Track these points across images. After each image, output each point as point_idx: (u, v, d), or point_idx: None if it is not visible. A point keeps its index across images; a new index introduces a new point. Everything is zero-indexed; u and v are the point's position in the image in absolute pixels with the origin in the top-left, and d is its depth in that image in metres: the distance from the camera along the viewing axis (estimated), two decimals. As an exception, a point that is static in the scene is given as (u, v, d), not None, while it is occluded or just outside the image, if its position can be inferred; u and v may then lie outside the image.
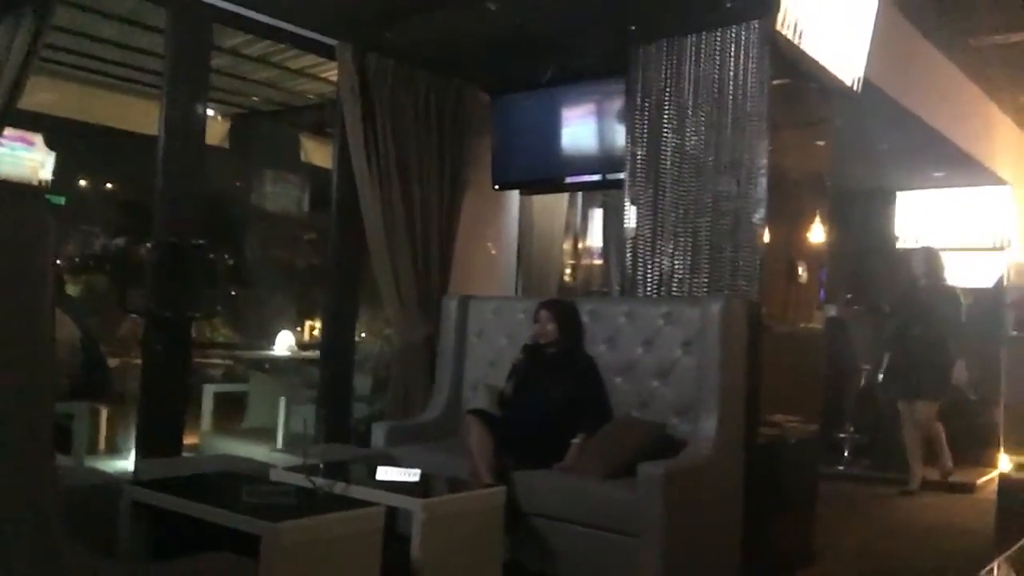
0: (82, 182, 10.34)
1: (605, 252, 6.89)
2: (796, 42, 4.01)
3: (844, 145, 4.95)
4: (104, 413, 5.36)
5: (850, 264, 7.47)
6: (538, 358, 4.00)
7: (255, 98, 6.27)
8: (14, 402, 1.55)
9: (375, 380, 5.76)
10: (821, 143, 4.70)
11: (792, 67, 4.14)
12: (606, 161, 4.81)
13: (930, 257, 6.14)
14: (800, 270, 4.38)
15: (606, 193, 6.15)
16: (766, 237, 3.91)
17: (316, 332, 8.40)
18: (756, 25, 3.94)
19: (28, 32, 3.23)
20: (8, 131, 3.78)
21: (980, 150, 7.14)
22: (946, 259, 6.21)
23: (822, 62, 4.25)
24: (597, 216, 6.91)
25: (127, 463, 4.89)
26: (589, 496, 3.42)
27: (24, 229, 1.39)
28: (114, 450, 5.33)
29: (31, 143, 6.75)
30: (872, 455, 6.74)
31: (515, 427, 3.76)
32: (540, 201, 5.85)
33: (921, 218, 8.30)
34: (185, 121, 4.00)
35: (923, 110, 5.87)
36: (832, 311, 6.38)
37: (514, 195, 5.66)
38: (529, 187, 5.53)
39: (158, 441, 3.89)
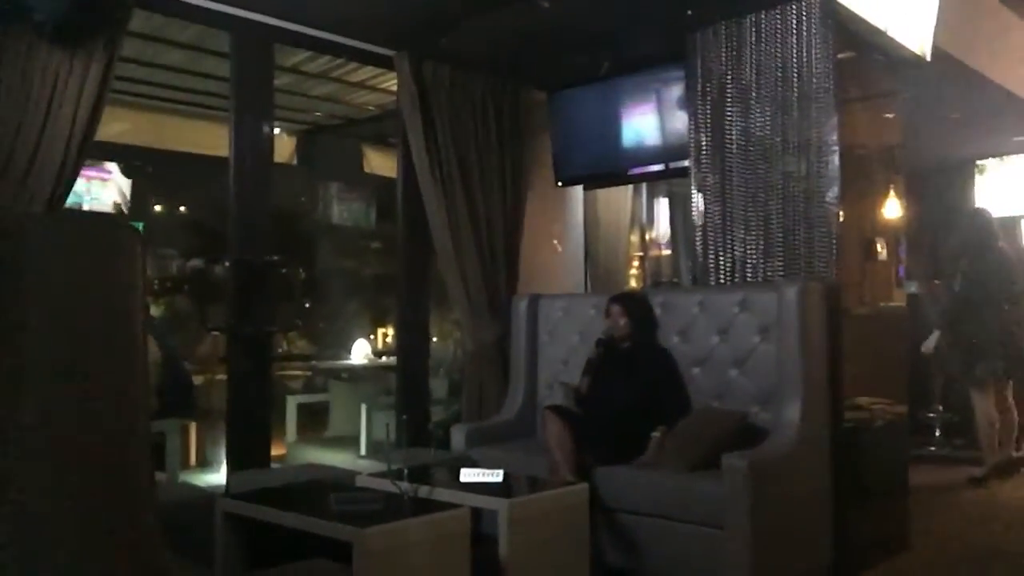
0: (156, 207, 10.68)
1: (673, 242, 6.82)
2: (860, 14, 3.89)
3: (917, 116, 4.79)
4: (193, 429, 5.54)
5: (930, 238, 7.21)
6: (612, 353, 3.97)
7: (318, 113, 6.39)
8: (113, 424, 1.60)
9: (450, 383, 5.81)
10: (891, 115, 4.56)
11: (857, 40, 4.02)
12: (669, 150, 4.76)
13: (978, 219, 5.82)
14: (878, 247, 4.26)
15: (671, 182, 6.08)
16: (840, 216, 3.81)
17: (389, 339, 8.51)
18: (817, 0, 3.85)
19: (100, 65, 3.35)
20: (87, 162, 3.92)
21: (1062, 110, 6.82)
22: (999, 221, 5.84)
23: (888, 32, 4.12)
24: (663, 206, 6.84)
25: (217, 476, 5.03)
26: (672, 490, 3.38)
27: (115, 255, 1.44)
28: (204, 464, 5.50)
29: (108, 172, 7.02)
30: (964, 434, 6.48)
31: (593, 423, 3.75)
32: (604, 195, 5.82)
33: (1003, 186, 7.97)
34: (253, 141, 4.11)
35: (998, 73, 5.63)
36: (913, 288, 6.16)
37: (577, 191, 5.63)
38: (592, 181, 5.51)
39: (247, 454, 4.00)
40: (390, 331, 8.52)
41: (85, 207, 6.98)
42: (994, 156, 7.95)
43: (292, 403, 6.14)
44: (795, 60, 3.93)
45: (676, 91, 4.63)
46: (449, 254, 4.67)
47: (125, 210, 7.17)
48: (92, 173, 6.79)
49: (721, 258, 4.18)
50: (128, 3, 3.45)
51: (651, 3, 4.08)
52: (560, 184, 5.38)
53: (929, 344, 5.91)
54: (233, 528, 3.05)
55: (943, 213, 7.30)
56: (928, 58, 4.44)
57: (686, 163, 4.38)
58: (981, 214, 5.95)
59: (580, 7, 4.09)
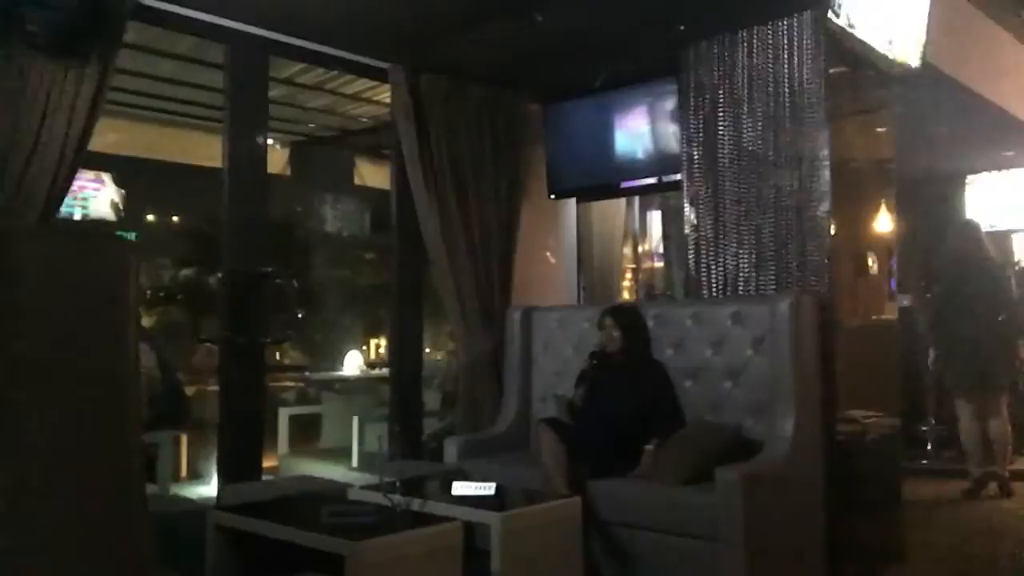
0: (150, 216, 10.68)
1: (666, 255, 6.83)
2: (850, 29, 3.93)
3: (907, 130, 4.82)
4: (184, 441, 5.51)
5: (921, 251, 7.25)
6: (606, 365, 3.97)
7: (312, 125, 6.39)
8: (105, 435, 1.60)
9: (444, 395, 5.80)
10: (882, 130, 4.60)
11: (848, 55, 4.05)
12: (662, 163, 4.77)
13: (966, 232, 5.88)
14: (869, 261, 4.29)
15: (664, 195, 6.09)
16: (832, 229, 3.83)
17: (382, 351, 8.51)
18: (808, 15, 3.88)
19: (95, 76, 3.35)
20: (80, 172, 3.92)
21: (1051, 125, 6.87)
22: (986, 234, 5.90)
23: (878, 48, 4.16)
24: (656, 219, 6.86)
25: (208, 488, 5.01)
26: (666, 503, 3.38)
27: (108, 267, 1.44)
28: (196, 476, 5.47)
29: (101, 182, 7.01)
30: (956, 447, 6.49)
31: (587, 436, 3.74)
32: (598, 207, 5.83)
33: (993, 200, 8.02)
34: (247, 153, 4.11)
35: (987, 88, 5.68)
36: (905, 301, 6.19)
37: (571, 203, 5.64)
38: (585, 194, 5.52)
39: (239, 466, 3.98)
40: (383, 342, 8.52)
41: (78, 217, 6.97)
42: (985, 170, 8.01)
43: (284, 415, 6.13)
44: (787, 74, 3.95)
45: (669, 105, 4.65)
46: (443, 265, 4.67)
47: (118, 220, 7.16)
48: (85, 183, 6.78)
49: (713, 271, 4.19)
50: (123, 15, 3.45)
51: (644, 17, 4.10)
52: (553, 196, 5.39)
53: (932, 358, 5.98)
54: (225, 540, 3.03)
55: (935, 226, 7.34)
56: (919, 73, 4.48)
57: (678, 176, 4.40)
58: (969, 226, 6.01)
59: (575, 20, 4.11)
